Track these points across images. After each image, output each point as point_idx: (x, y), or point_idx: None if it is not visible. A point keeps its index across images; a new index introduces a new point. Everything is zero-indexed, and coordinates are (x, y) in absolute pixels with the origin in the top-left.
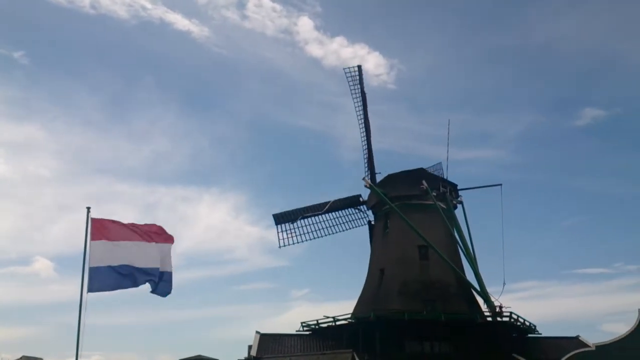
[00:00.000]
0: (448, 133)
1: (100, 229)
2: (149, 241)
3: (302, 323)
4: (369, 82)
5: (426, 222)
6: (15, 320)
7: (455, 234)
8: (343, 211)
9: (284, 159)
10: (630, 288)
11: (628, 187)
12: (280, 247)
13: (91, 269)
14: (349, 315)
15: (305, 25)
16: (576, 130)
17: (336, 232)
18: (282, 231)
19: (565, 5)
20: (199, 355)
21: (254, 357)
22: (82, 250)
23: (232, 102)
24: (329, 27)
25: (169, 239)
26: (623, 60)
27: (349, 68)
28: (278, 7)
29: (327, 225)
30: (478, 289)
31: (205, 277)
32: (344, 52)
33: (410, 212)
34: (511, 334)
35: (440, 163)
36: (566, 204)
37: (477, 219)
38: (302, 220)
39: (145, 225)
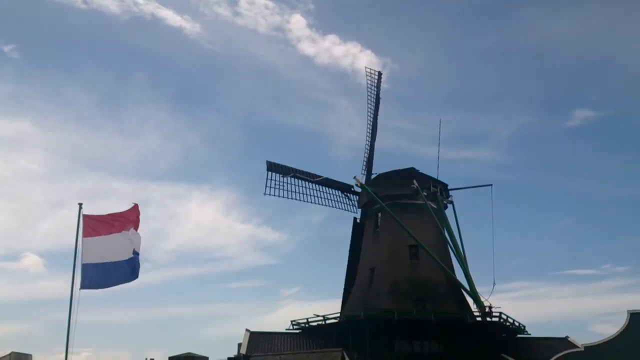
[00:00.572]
0: (439, 133)
1: (92, 225)
2: (130, 229)
3: (292, 321)
4: (361, 81)
5: (417, 221)
6: (4, 317)
7: (446, 234)
8: (332, 190)
9: (275, 157)
10: (620, 289)
11: (618, 189)
12: (264, 194)
13: (83, 266)
14: (339, 314)
15: (297, 22)
16: (567, 131)
17: (320, 204)
18: (271, 179)
19: (557, 7)
20: (189, 353)
21: (243, 355)
22: (73, 246)
23: (223, 99)
24: (322, 25)
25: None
26: (615, 61)
27: (371, 69)
28: (270, 4)
29: (314, 194)
30: (468, 289)
31: (196, 274)
32: (336, 50)
33: (401, 212)
34: (500, 334)
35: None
36: (556, 205)
37: (467, 219)
38: (292, 179)
39: (128, 210)
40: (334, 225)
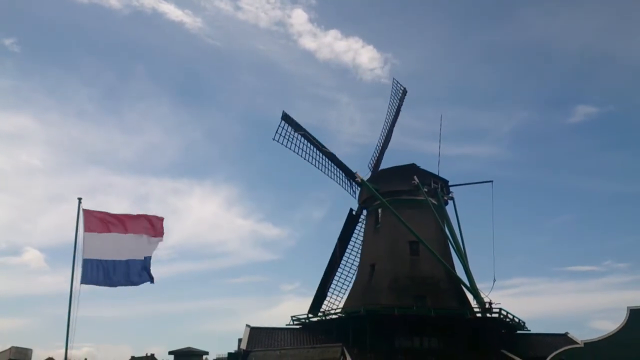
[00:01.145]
0: (440, 129)
1: (93, 220)
2: (140, 233)
3: (292, 317)
4: (362, 77)
5: (417, 217)
6: (5, 311)
7: (446, 230)
8: (335, 167)
9: (276, 152)
10: (620, 286)
11: (619, 185)
12: (273, 139)
13: (84, 261)
14: (340, 310)
15: (299, 17)
16: (569, 127)
17: (322, 172)
18: (282, 128)
19: (559, 3)
20: (190, 348)
21: (244, 350)
22: (73, 241)
23: (224, 94)
24: (323, 20)
25: (159, 234)
26: (616, 57)
27: (399, 83)
28: None
29: (318, 160)
30: (468, 285)
31: (196, 270)
32: (338, 45)
33: (401, 208)
34: (500, 330)
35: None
36: (557, 201)
37: (468, 216)
38: (301, 137)
39: (139, 215)
40: (334, 221)
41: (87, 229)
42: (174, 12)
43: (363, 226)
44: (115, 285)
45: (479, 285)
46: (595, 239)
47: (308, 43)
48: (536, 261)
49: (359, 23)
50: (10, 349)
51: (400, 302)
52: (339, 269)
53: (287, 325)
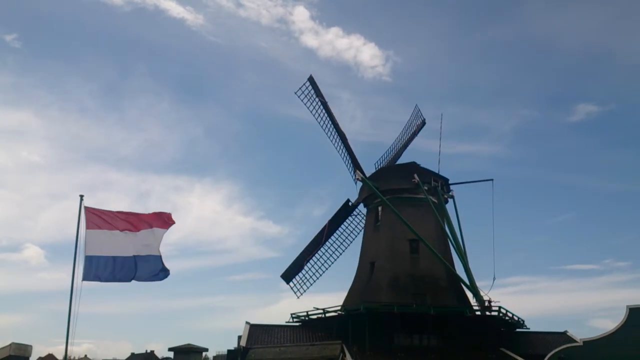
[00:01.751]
0: (440, 127)
1: (95, 217)
2: (145, 228)
3: (292, 314)
4: (364, 74)
5: (417, 216)
6: (5, 308)
7: (446, 228)
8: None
9: (277, 149)
10: (619, 285)
11: (620, 184)
12: (295, 93)
13: (87, 258)
14: (339, 308)
15: (300, 14)
16: (570, 125)
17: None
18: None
19: (561, 1)
20: (189, 344)
21: (243, 347)
22: (74, 238)
23: (226, 91)
24: (325, 17)
25: (165, 224)
26: (618, 56)
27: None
28: None
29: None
30: (468, 283)
31: (196, 267)
32: (340, 42)
33: (402, 206)
34: (499, 329)
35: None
36: (557, 200)
37: (468, 214)
38: (320, 105)
39: (142, 214)
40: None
41: (89, 226)
42: (176, 9)
43: (355, 220)
44: (120, 281)
45: (478, 284)
46: (595, 237)
47: (310, 40)
48: (536, 259)
49: (361, 20)
50: (10, 345)
51: (399, 300)
52: (322, 250)
53: (286, 322)
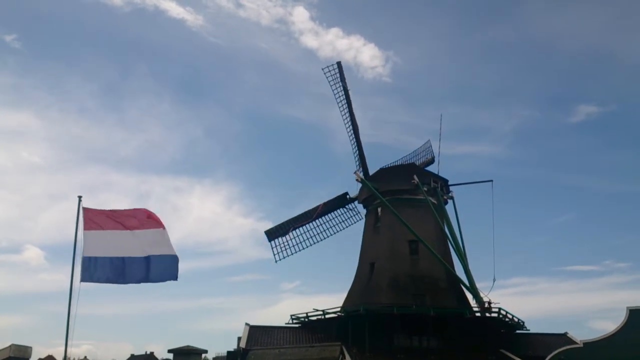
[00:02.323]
0: (440, 128)
1: (94, 218)
2: (139, 229)
3: (291, 316)
4: (364, 75)
5: (417, 217)
6: (5, 309)
7: (446, 230)
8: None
9: (277, 150)
10: (620, 286)
11: (621, 185)
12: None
13: (84, 259)
14: (339, 309)
15: (300, 15)
16: (570, 126)
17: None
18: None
19: (562, 2)
20: (189, 346)
21: (243, 348)
22: (73, 239)
23: (226, 91)
24: (325, 17)
25: (159, 225)
26: (619, 56)
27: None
28: None
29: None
30: (467, 284)
31: (196, 268)
32: (340, 43)
33: (401, 207)
34: (499, 330)
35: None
36: (558, 200)
37: (468, 215)
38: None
39: (133, 210)
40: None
41: (87, 227)
42: (176, 10)
43: (347, 214)
44: (119, 283)
45: (478, 285)
46: (596, 238)
47: (309, 41)
48: (536, 261)
49: (361, 21)
50: (10, 346)
51: (399, 301)
52: (309, 225)
53: (286, 324)
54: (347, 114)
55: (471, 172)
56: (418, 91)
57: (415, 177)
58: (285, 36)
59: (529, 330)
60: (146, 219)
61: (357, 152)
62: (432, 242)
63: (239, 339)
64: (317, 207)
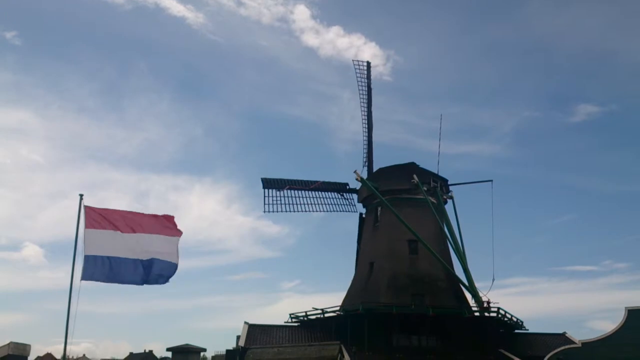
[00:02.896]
0: (440, 128)
1: (95, 217)
2: (150, 232)
3: (290, 314)
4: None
5: (416, 216)
6: (4, 307)
7: (445, 229)
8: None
9: (277, 148)
10: (618, 286)
11: (620, 185)
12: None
13: (86, 257)
14: (338, 308)
15: (301, 13)
16: (570, 126)
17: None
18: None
19: (562, 2)
20: (188, 345)
21: (242, 347)
22: (74, 237)
23: (226, 90)
24: (326, 16)
25: (177, 232)
26: (619, 56)
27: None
28: None
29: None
30: (467, 284)
31: (196, 267)
32: (340, 42)
33: (401, 206)
34: (498, 330)
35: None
36: (557, 201)
37: (467, 215)
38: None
39: (148, 215)
40: (334, 219)
41: (89, 225)
42: (176, 8)
43: (342, 202)
44: (119, 282)
45: (477, 285)
46: (595, 238)
47: (310, 39)
48: (535, 261)
49: (362, 20)
50: (9, 344)
51: (398, 301)
52: (304, 193)
53: (285, 322)
54: (366, 112)
55: (471, 172)
56: (419, 90)
57: (415, 176)
58: (286, 34)
59: (527, 330)
60: (160, 224)
61: (367, 150)
62: (432, 242)
63: (238, 337)
64: (316, 181)
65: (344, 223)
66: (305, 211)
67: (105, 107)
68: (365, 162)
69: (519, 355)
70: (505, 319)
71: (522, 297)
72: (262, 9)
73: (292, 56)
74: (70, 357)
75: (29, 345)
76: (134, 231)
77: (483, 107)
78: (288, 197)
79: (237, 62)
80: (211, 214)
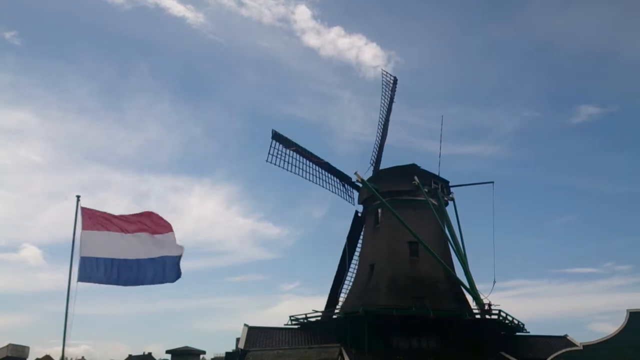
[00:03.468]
0: (441, 129)
1: (92, 218)
2: (145, 232)
3: (290, 317)
4: (365, 74)
5: (417, 218)
6: (2, 308)
7: (446, 231)
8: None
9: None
10: (620, 288)
11: (622, 186)
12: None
13: (82, 259)
14: (338, 310)
15: (302, 14)
16: (571, 127)
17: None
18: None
19: (563, 1)
20: (187, 347)
21: (241, 349)
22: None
23: (226, 90)
24: (327, 16)
25: (166, 228)
26: (621, 56)
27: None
28: None
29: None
30: (467, 286)
31: (195, 268)
32: (341, 42)
33: (401, 208)
34: (499, 332)
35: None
36: (558, 202)
37: (468, 216)
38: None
39: (138, 215)
40: (334, 220)
41: (85, 226)
42: (176, 7)
43: (342, 188)
44: (116, 284)
45: (478, 287)
46: (596, 240)
47: (311, 40)
48: (536, 263)
49: (363, 20)
50: (7, 346)
51: (399, 303)
52: (310, 163)
53: (285, 325)
54: (383, 123)
55: (471, 173)
56: (420, 90)
57: (415, 178)
58: (287, 35)
59: (528, 332)
60: (151, 222)
61: (376, 155)
62: (432, 244)
63: (238, 339)
64: (322, 159)
65: (345, 224)
66: (305, 178)
67: (105, 108)
68: (373, 163)
69: (520, 357)
70: (506, 321)
71: (522, 300)
72: (262, 9)
73: (293, 56)
74: (69, 359)
75: (28, 347)
76: (131, 232)
77: (484, 108)
78: (293, 158)
79: (237, 63)
80: (211, 215)
